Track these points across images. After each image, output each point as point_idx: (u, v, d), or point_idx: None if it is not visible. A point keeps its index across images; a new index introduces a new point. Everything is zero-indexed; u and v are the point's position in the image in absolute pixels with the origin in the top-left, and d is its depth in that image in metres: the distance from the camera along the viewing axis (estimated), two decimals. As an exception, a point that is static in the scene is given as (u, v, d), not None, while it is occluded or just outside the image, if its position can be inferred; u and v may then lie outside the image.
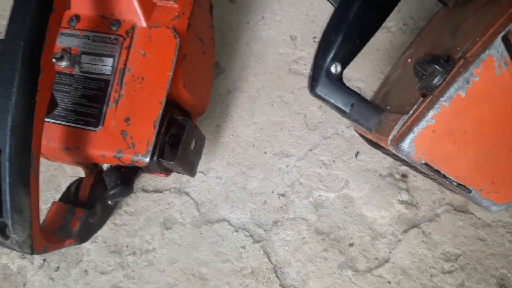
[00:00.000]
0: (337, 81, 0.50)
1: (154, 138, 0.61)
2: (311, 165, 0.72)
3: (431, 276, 0.63)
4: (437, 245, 0.64)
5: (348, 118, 0.51)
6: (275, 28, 0.85)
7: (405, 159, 0.46)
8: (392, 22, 0.83)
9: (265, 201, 0.71)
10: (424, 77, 0.46)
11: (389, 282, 0.63)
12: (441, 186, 0.55)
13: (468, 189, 0.46)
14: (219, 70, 0.83)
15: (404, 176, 0.69)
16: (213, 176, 0.74)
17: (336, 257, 0.66)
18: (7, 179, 0.51)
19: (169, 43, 0.63)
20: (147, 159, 0.60)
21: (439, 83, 0.44)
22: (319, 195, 0.70)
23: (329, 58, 0.50)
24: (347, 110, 0.50)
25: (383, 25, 0.85)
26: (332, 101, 0.51)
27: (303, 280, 0.65)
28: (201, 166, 0.74)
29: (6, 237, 0.53)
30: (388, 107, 0.52)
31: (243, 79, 0.82)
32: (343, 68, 0.50)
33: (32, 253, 0.55)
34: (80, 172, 0.78)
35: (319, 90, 0.51)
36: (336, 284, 0.64)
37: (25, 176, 0.52)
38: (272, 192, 0.72)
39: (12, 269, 0.72)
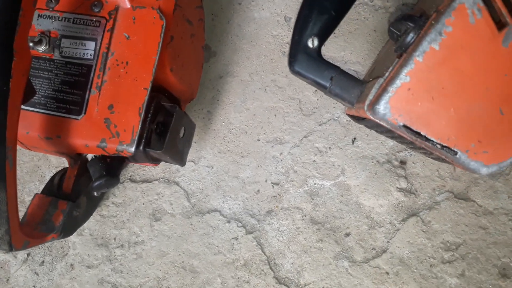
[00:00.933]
0: (315, 55, 0.49)
1: (139, 126, 0.57)
2: (306, 153, 0.69)
3: (431, 266, 0.61)
4: (437, 234, 0.62)
5: (329, 93, 0.50)
6: (268, 9, 0.81)
7: (384, 124, 0.44)
8: (390, 2, 0.79)
9: (258, 190, 0.68)
10: (399, 38, 0.44)
11: (387, 273, 0.61)
12: (430, 156, 0.52)
13: (454, 150, 0.43)
14: (210, 54, 0.79)
15: (402, 162, 0.66)
16: (204, 165, 0.71)
17: (332, 247, 0.63)
18: (-19, 172, 0.47)
19: (155, 25, 0.59)
20: (133, 149, 0.57)
21: (412, 40, 0.42)
22: (315, 184, 0.67)
23: (305, 33, 0.49)
24: (327, 84, 0.49)
25: (381, 5, 0.81)
26: (311, 76, 0.49)
27: (297, 272, 0.62)
28: (192, 154, 0.71)
29: (-17, 233, 0.50)
30: (370, 79, 0.49)
31: (235, 63, 0.78)
32: (320, 42, 0.49)
33: (10, 250, 0.52)
34: (65, 162, 0.75)
35: (298, 66, 0.49)
36: (332, 276, 0.62)
37: (0, 169, 0.49)
38: (266, 180, 0.69)
39: (-5, 264, 0.70)
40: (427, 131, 0.43)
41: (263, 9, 0.81)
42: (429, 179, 0.65)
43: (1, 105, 0.48)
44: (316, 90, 0.73)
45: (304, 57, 0.49)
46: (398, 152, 0.67)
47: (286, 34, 0.79)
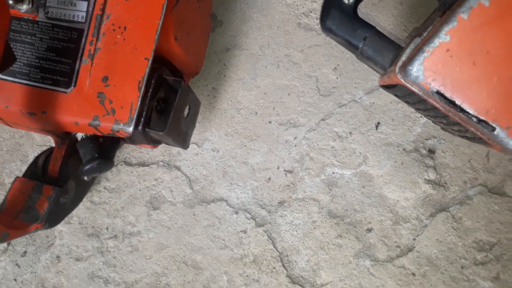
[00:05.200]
0: (350, 12, 0.45)
1: (138, 102, 0.49)
2: (323, 137, 0.62)
3: (462, 267, 0.55)
4: (468, 232, 0.56)
5: (361, 55, 0.45)
6: (281, -25, 0.72)
7: (415, 89, 0.38)
8: (418, -29, 0.71)
9: (269, 178, 0.61)
10: None
11: (413, 274, 0.55)
12: (464, 135, 0.46)
13: (492, 126, 0.37)
14: (215, 23, 0.71)
15: (431, 151, 0.60)
16: (209, 148, 0.63)
17: (352, 244, 0.57)
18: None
19: (158, -16, 0.50)
20: (130, 129, 0.49)
21: None
22: (333, 173, 0.60)
23: None
24: (359, 44, 0.44)
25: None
26: (343, 34, 0.45)
27: (313, 271, 0.56)
28: (195, 136, 0.63)
29: (-48, 225, 0.43)
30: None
31: (244, 34, 0.70)
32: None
33: (-14, 243, 0.45)
34: (51, 141, 0.66)
35: (330, 22, 0.45)
36: (352, 276, 0.56)
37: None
38: (278, 168, 0.61)
39: (-29, 254, 0.62)
40: (463, 101, 0.37)
41: (276, -25, 0.72)
42: (460, 170, 0.58)
43: (-27, 72, 0.40)
44: (335, 68, 0.66)
45: (337, 13, 0.45)
46: (426, 139, 0.60)
47: (301, 3, 0.70)
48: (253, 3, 0.71)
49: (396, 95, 0.49)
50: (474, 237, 0.56)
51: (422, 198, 0.58)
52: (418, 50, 0.37)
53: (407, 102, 0.48)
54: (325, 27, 0.45)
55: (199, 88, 0.67)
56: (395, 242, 0.57)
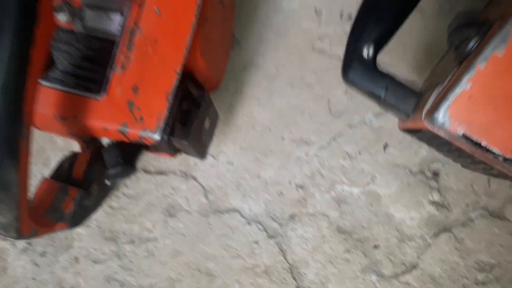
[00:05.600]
0: (370, 65, 0.47)
1: (166, 112, 0.52)
2: (334, 156, 0.65)
3: (463, 286, 0.57)
4: (470, 253, 0.58)
5: (384, 104, 0.48)
6: (298, 0, 0.77)
7: (442, 134, 0.41)
8: (427, 5, 0.75)
9: (281, 193, 0.64)
10: (458, 46, 0.42)
11: (417, 291, 0.57)
12: (490, 172, 0.49)
13: None
14: (234, 42, 0.74)
15: (435, 174, 0.63)
16: (224, 161, 0.66)
17: (360, 259, 0.59)
18: (-8, 149, 0.42)
19: (189, 2, 0.54)
20: (158, 137, 0.52)
21: (474, 47, 0.40)
22: (342, 190, 0.63)
23: (361, 41, 0.47)
24: (381, 94, 0.47)
25: (417, 7, 0.77)
26: (366, 86, 0.48)
27: (322, 283, 0.58)
28: (211, 149, 0.66)
29: (-13, 218, 0.45)
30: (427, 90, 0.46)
31: (261, 54, 0.74)
32: (376, 51, 0.47)
33: (18, 238, 0.46)
34: (74, 146, 0.69)
35: (352, 75, 0.48)
36: (358, 290, 0.58)
37: (13, 146, 0.43)
38: (290, 183, 0.64)
39: (-11, 251, 0.64)
40: (488, 142, 0.40)
41: (292, 0, 0.77)
42: (462, 193, 0.62)
43: (21, 75, 0.43)
44: (346, 90, 0.69)
45: (358, 66, 0.47)
46: (431, 163, 0.63)
47: (316, 29, 0.74)
48: (270, 26, 0.75)
49: (418, 138, 0.52)
50: (475, 258, 0.58)
51: (426, 218, 0.61)
52: (442, 98, 0.40)
53: (430, 144, 0.51)
54: (348, 80, 0.48)
55: (217, 103, 0.70)
56: (400, 259, 0.59)
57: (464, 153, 0.43)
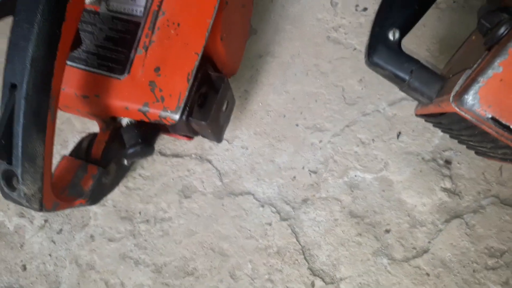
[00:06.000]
0: (396, 48, 0.47)
1: (186, 93, 0.53)
2: (347, 142, 0.66)
3: (474, 271, 0.58)
4: (481, 239, 0.59)
5: (407, 87, 0.48)
6: (314, -8, 0.78)
7: (469, 116, 0.41)
8: (441, -2, 0.76)
9: (295, 177, 0.65)
10: (489, 31, 0.42)
11: (428, 274, 0.58)
12: (500, 158, 0.49)
13: None
14: (251, 31, 0.76)
15: (448, 162, 0.64)
16: (239, 146, 0.67)
17: (371, 243, 0.60)
18: (21, 121, 0.43)
19: (212, -13, 0.55)
20: (177, 116, 0.53)
21: (506, 32, 0.40)
22: (355, 175, 0.64)
23: (387, 25, 0.47)
24: (406, 77, 0.47)
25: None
26: (391, 68, 0.47)
27: (333, 265, 0.59)
28: (226, 133, 0.67)
29: (13, 188, 0.46)
30: (451, 75, 0.47)
31: (276, 43, 0.75)
32: (401, 35, 0.47)
33: (41, 210, 0.48)
34: (91, 128, 0.70)
35: (377, 58, 0.48)
36: (370, 272, 0.59)
37: (41, 119, 0.45)
38: (303, 168, 0.65)
39: (8, 228, 0.65)
40: None
41: (308, -9, 0.78)
42: (474, 181, 0.62)
43: (51, 49, 0.44)
44: (360, 79, 0.70)
45: (384, 49, 0.47)
46: (443, 151, 0.64)
47: (331, 19, 0.75)
48: (286, 15, 0.77)
49: (438, 124, 0.52)
50: (486, 243, 0.59)
51: (438, 204, 0.62)
52: (472, 81, 0.40)
53: (449, 129, 0.52)
54: (372, 62, 0.48)
55: (233, 89, 0.71)
56: (411, 243, 0.60)
57: (488, 137, 0.44)
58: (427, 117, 0.52)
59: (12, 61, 0.43)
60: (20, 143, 0.44)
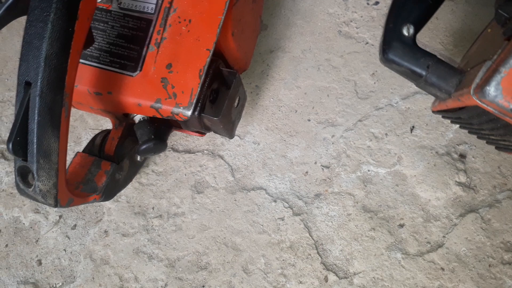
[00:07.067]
0: (411, 43, 0.46)
1: (198, 89, 0.53)
2: (360, 137, 0.66)
3: (489, 266, 0.57)
4: (497, 233, 0.59)
5: (424, 83, 0.47)
6: (325, -14, 0.77)
7: (492, 108, 0.40)
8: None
9: (307, 172, 0.65)
10: (508, 21, 0.42)
11: (442, 269, 0.58)
12: None
13: None
14: (261, 26, 0.75)
15: (462, 156, 0.63)
16: (250, 141, 0.67)
17: (385, 237, 0.60)
18: (36, 118, 0.44)
19: (223, -17, 0.55)
20: (189, 112, 0.53)
21: None
22: (368, 170, 0.63)
23: (400, 20, 0.47)
24: (423, 72, 0.46)
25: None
26: (407, 64, 0.47)
27: (347, 260, 0.59)
28: (238, 129, 0.67)
29: (29, 185, 0.47)
30: (469, 69, 0.46)
31: (287, 38, 0.74)
32: (416, 30, 0.46)
33: (55, 205, 0.48)
34: (104, 125, 0.71)
35: (392, 54, 0.47)
36: (383, 266, 0.58)
37: (56, 116, 0.45)
38: (315, 162, 0.65)
39: (24, 224, 0.66)
40: None
41: (319, -14, 0.77)
42: (489, 175, 0.62)
43: (65, 47, 0.44)
44: (373, 73, 0.70)
45: (399, 45, 0.47)
46: (458, 144, 0.63)
47: (342, 13, 0.75)
48: (297, 10, 0.76)
49: (457, 119, 0.51)
50: (502, 238, 0.58)
51: (452, 199, 0.61)
52: (493, 72, 0.39)
53: (469, 125, 0.51)
54: (388, 59, 0.47)
55: (244, 85, 0.71)
56: (425, 238, 0.59)
57: (510, 129, 0.43)
58: (445, 112, 0.51)
59: (26, 59, 0.44)
60: (35, 140, 0.44)
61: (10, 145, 0.44)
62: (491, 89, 0.39)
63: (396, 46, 0.47)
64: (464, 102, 0.43)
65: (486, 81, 0.39)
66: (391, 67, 0.48)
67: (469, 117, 0.47)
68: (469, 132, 0.54)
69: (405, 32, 0.46)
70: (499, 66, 0.39)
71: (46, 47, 0.43)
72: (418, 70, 0.46)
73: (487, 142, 0.54)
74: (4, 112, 0.75)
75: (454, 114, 0.49)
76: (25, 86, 0.44)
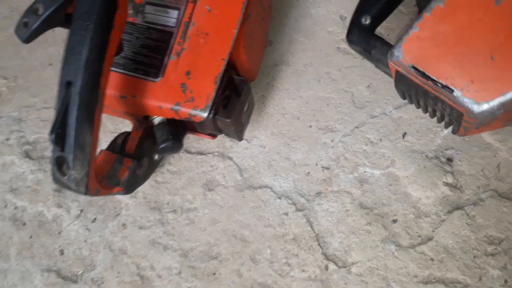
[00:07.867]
0: (366, 30, 0.59)
1: (214, 93, 0.60)
2: (357, 142, 0.72)
3: (474, 257, 0.63)
4: (480, 228, 0.65)
5: (373, 59, 0.59)
6: (324, 7, 0.85)
7: (398, 67, 0.52)
8: None
9: (309, 173, 0.71)
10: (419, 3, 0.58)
11: (432, 259, 0.63)
12: (437, 113, 0.58)
13: (451, 88, 0.50)
14: (267, 42, 0.83)
15: (449, 159, 0.69)
16: (257, 144, 0.74)
17: (380, 231, 0.66)
18: (75, 113, 0.50)
19: (236, 1, 0.63)
20: (205, 114, 0.60)
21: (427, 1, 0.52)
22: (364, 171, 0.70)
23: (361, 12, 0.60)
24: (371, 50, 0.59)
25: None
26: (361, 45, 0.60)
27: (345, 251, 0.65)
28: (245, 134, 0.74)
29: (63, 174, 0.53)
30: None
31: (290, 53, 0.82)
32: (373, 21, 0.59)
33: (86, 193, 0.54)
34: (122, 129, 0.77)
35: (351, 36, 0.61)
36: (378, 257, 0.64)
37: (91, 112, 0.52)
38: (316, 164, 0.71)
39: (47, 217, 0.71)
40: (430, 71, 0.51)
41: (319, 7, 0.85)
42: (474, 177, 0.68)
43: (101, 53, 0.51)
44: (368, 85, 0.77)
45: (356, 30, 0.60)
46: (445, 149, 0.70)
47: (341, 32, 0.83)
48: (300, 29, 0.84)
49: (401, 91, 0.60)
50: (485, 232, 0.64)
51: (440, 197, 0.67)
52: (398, 39, 0.52)
53: (416, 101, 0.60)
54: (349, 40, 0.61)
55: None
56: (416, 232, 0.65)
57: (428, 95, 0.53)
58: (398, 89, 0.61)
59: (68, 62, 0.51)
60: (73, 133, 0.50)
61: (53, 136, 0.50)
62: (395, 51, 0.52)
63: (355, 31, 0.60)
64: (391, 69, 0.55)
65: (394, 46, 0.52)
66: (352, 47, 0.61)
67: (407, 90, 0.57)
68: (416, 107, 0.62)
69: (363, 21, 0.59)
70: (403, 35, 0.52)
71: (86, 52, 0.50)
72: (368, 48, 0.59)
73: (423, 111, 0.62)
74: (29, 116, 0.81)
75: (399, 89, 0.59)
76: (66, 85, 0.51)
